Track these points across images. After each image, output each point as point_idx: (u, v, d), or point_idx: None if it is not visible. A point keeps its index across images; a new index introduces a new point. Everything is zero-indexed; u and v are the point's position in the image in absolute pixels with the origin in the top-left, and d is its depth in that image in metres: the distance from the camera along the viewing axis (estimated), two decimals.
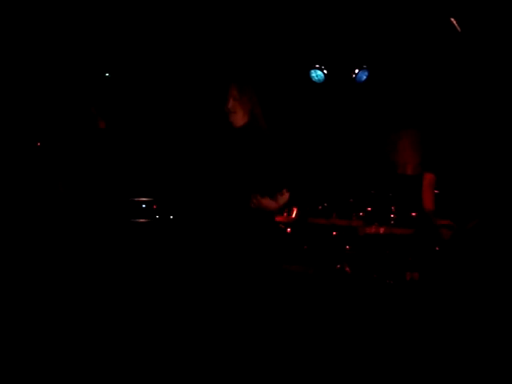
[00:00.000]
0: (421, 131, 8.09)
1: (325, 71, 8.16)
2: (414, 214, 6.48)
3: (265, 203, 3.92)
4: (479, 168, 4.86)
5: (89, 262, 6.59)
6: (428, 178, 4.90)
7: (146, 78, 8.24)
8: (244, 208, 3.98)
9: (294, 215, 6.96)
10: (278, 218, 6.72)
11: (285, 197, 3.93)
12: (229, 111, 4.08)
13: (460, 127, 5.05)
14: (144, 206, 7.89)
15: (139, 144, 8.12)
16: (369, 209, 6.88)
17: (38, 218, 6.88)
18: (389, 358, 4.42)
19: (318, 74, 8.20)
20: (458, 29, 6.18)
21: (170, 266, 6.59)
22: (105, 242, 7.07)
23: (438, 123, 5.95)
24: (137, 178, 7.92)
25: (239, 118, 4.10)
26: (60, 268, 6.35)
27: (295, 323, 5.08)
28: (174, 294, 5.64)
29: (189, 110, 8.06)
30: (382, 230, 6.38)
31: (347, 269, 6.43)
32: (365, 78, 8.16)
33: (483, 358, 4.24)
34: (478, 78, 6.59)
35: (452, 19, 6.18)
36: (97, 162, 7.74)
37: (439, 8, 6.37)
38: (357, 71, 8.16)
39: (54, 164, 7.34)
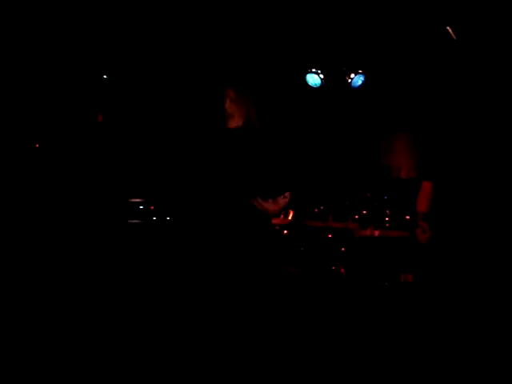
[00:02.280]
0: (414, 135, 8.18)
1: (321, 76, 8.25)
2: (408, 217, 6.57)
3: (266, 206, 4.00)
4: (476, 173, 4.95)
5: (86, 262, 6.64)
6: (426, 186, 4.98)
7: (143, 80, 8.30)
8: (241, 210, 4.04)
9: (290, 217, 7.04)
10: (275, 221, 6.80)
11: (286, 199, 4.02)
12: (225, 112, 4.15)
13: (456, 131, 5.14)
14: (141, 206, 7.92)
15: (137, 145, 8.18)
16: (364, 212, 6.96)
17: (36, 217, 6.91)
18: (383, 358, 4.49)
19: (314, 79, 8.29)
20: (454, 37, 6.28)
21: (166, 267, 6.63)
22: (101, 242, 7.13)
23: (433, 128, 6.03)
24: (134, 179, 7.99)
25: (235, 120, 4.17)
26: (57, 267, 6.40)
27: (292, 323, 5.14)
28: (172, 295, 5.67)
29: (185, 112, 8.12)
30: (376, 233, 6.45)
31: (342, 270, 6.50)
32: (360, 82, 8.26)
33: (477, 359, 4.31)
34: (473, 84, 6.68)
35: (448, 27, 6.28)
36: (95, 163, 7.81)
37: (435, 16, 6.47)
38: (352, 76, 8.26)
39: (52, 164, 7.40)
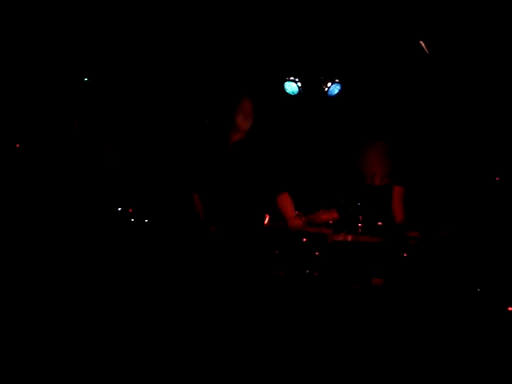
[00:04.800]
0: (389, 143, 8.34)
1: (299, 84, 8.41)
2: (380, 223, 6.71)
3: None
4: (447, 179, 5.13)
5: (70, 263, 6.69)
6: (397, 191, 5.16)
7: (133, 87, 8.39)
8: (221, 216, 4.17)
9: (266, 222, 7.13)
10: None
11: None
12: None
13: (428, 140, 5.32)
14: (119, 209, 7.96)
15: (124, 150, 8.24)
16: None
17: (30, 217, 6.95)
18: (354, 357, 4.63)
19: (291, 87, 8.45)
20: (426, 51, 6.45)
21: (146, 270, 6.69)
22: (80, 243, 7.17)
23: (407, 136, 6.21)
24: (118, 183, 8.04)
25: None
26: (46, 268, 6.44)
27: (266, 325, 5.26)
28: (158, 299, 5.72)
29: (177, 118, 8.23)
30: (349, 238, 6.55)
31: (316, 274, 6.62)
32: (337, 91, 8.44)
33: (444, 361, 4.47)
34: (446, 94, 6.88)
35: (421, 42, 6.46)
36: (76, 165, 7.86)
37: (410, 30, 6.66)
38: (329, 85, 8.43)
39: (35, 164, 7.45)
